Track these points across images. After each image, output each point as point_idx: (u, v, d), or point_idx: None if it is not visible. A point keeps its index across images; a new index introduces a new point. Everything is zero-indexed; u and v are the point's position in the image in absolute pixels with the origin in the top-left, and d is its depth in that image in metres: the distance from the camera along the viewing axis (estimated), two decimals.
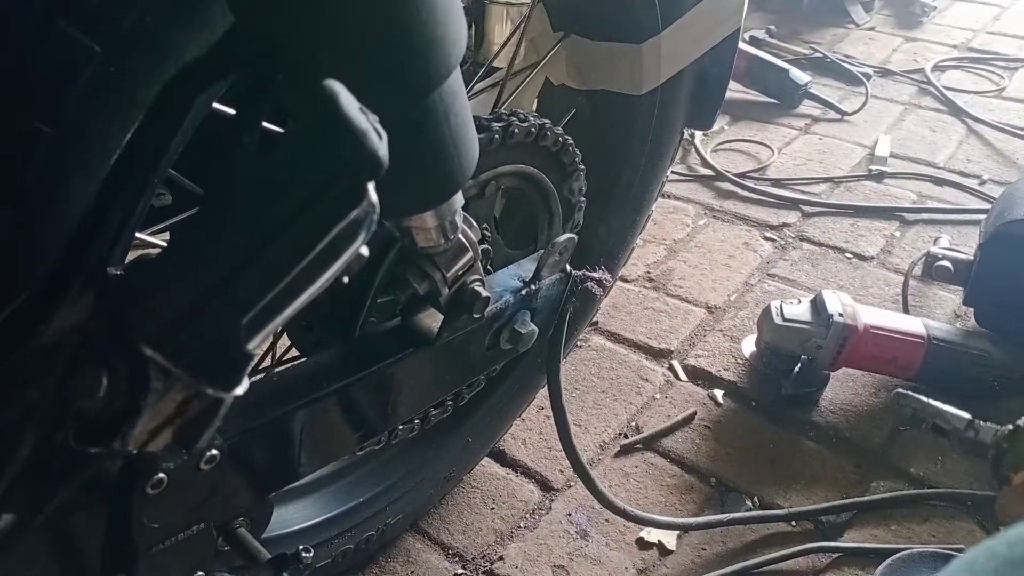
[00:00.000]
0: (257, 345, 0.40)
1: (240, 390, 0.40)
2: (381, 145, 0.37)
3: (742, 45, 2.27)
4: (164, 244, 0.70)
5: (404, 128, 0.48)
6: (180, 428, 0.40)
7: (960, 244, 1.65)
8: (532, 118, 0.79)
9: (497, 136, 0.75)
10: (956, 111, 2.19)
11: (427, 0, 0.44)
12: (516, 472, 1.23)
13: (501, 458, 1.24)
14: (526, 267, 0.83)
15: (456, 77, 0.50)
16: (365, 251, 0.39)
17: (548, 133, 0.80)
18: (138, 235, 0.59)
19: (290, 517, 0.94)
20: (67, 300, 0.43)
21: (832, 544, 1.10)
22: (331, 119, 0.36)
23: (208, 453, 0.54)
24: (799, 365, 1.30)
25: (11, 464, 0.44)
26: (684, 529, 1.13)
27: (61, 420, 0.41)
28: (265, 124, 0.53)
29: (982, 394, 1.30)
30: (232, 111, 0.53)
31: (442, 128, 0.50)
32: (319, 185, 0.37)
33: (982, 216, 1.54)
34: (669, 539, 1.12)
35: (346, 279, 0.40)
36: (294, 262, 0.37)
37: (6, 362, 0.43)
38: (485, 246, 0.79)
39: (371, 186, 0.37)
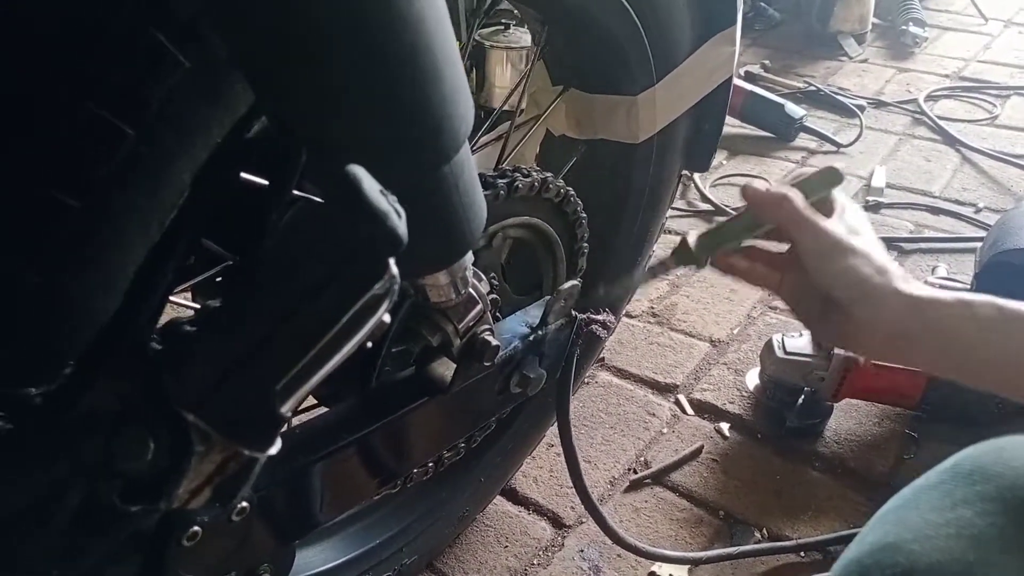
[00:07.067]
0: (289, 408, 0.43)
1: (274, 450, 0.44)
2: (400, 224, 0.40)
3: (737, 81, 2.33)
4: (185, 302, 0.74)
5: (418, 199, 0.51)
6: (218, 486, 0.44)
7: (958, 273, 1.68)
8: (535, 173, 0.83)
9: (502, 192, 0.79)
10: (950, 140, 2.23)
11: (438, 83, 0.48)
12: (528, 510, 1.25)
13: (513, 496, 1.27)
14: (533, 313, 0.86)
15: (465, 148, 0.54)
16: (387, 318, 0.43)
17: (550, 186, 0.84)
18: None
19: (310, 560, 0.97)
20: (109, 369, 0.46)
21: None
22: (354, 201, 0.40)
23: (239, 505, 0.57)
24: (802, 397, 1.33)
25: (57, 519, 0.47)
26: (695, 563, 1.15)
27: (105, 479, 0.45)
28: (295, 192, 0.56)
29: (985, 419, 1.33)
30: (260, 180, 0.57)
31: (453, 197, 0.54)
32: (344, 262, 0.40)
33: (978, 244, 1.57)
34: (680, 573, 1.14)
35: (369, 344, 0.44)
36: (323, 332, 0.41)
37: (54, 424, 0.46)
38: (494, 295, 0.82)
39: (392, 261, 0.41)
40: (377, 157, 0.46)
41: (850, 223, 0.69)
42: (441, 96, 0.48)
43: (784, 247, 0.75)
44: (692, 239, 0.74)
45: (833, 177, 0.72)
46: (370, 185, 0.40)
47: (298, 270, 0.41)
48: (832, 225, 0.68)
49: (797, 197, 0.69)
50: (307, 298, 0.40)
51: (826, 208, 0.71)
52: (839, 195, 0.72)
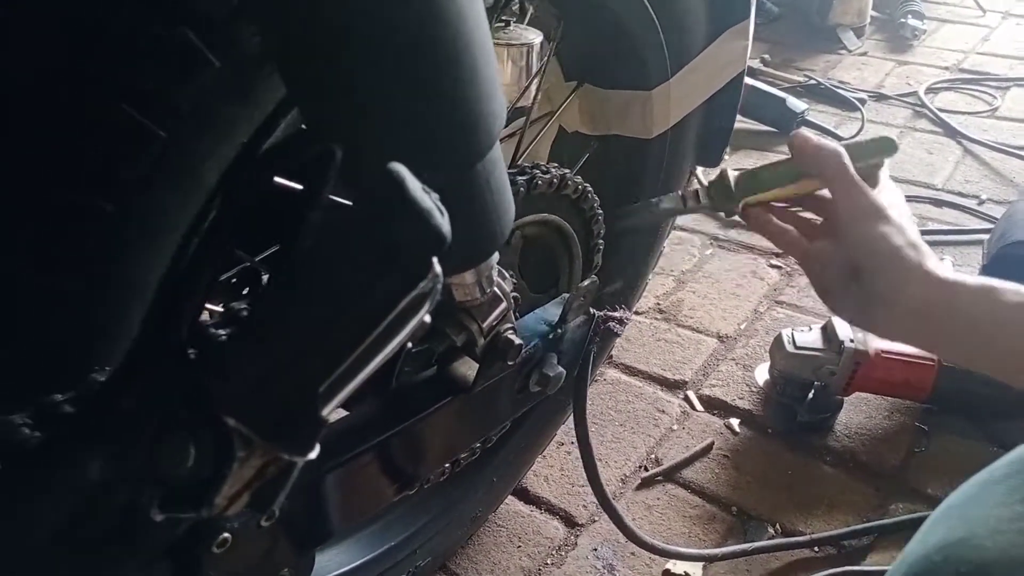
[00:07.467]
0: (329, 411, 0.42)
1: (313, 454, 0.43)
2: (444, 222, 0.39)
3: None
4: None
5: (452, 197, 0.51)
6: (257, 492, 0.43)
7: (964, 265, 1.68)
8: (553, 169, 0.82)
9: (522, 189, 0.78)
10: (951, 132, 2.23)
11: (476, 79, 0.47)
12: (540, 509, 1.24)
13: (524, 496, 1.26)
14: (551, 311, 0.85)
15: (496, 145, 0.53)
16: (428, 319, 0.42)
17: (569, 183, 0.84)
18: None
19: (325, 564, 0.96)
20: (146, 375, 0.45)
21: (856, 568, 1.12)
22: (398, 200, 0.39)
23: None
24: (813, 391, 1.32)
25: (92, 531, 0.46)
26: (709, 560, 1.14)
27: (145, 487, 0.44)
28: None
29: (995, 414, 1.33)
30: (293, 184, 0.56)
31: (485, 194, 0.53)
32: (388, 261, 0.39)
33: (983, 236, 1.58)
34: (695, 570, 1.13)
35: (410, 344, 0.43)
36: (366, 333, 0.40)
37: (89, 433, 0.45)
38: (515, 293, 0.81)
39: (435, 260, 0.40)
40: (416, 155, 0.45)
41: (888, 200, 0.70)
42: (478, 92, 0.47)
43: (815, 218, 0.75)
44: (732, 175, 0.73)
45: (886, 146, 0.72)
46: (413, 184, 0.39)
47: (342, 271, 0.40)
48: (873, 193, 0.68)
49: (846, 156, 0.69)
50: (351, 299, 0.40)
51: (870, 179, 0.70)
52: (883, 174, 0.72)
